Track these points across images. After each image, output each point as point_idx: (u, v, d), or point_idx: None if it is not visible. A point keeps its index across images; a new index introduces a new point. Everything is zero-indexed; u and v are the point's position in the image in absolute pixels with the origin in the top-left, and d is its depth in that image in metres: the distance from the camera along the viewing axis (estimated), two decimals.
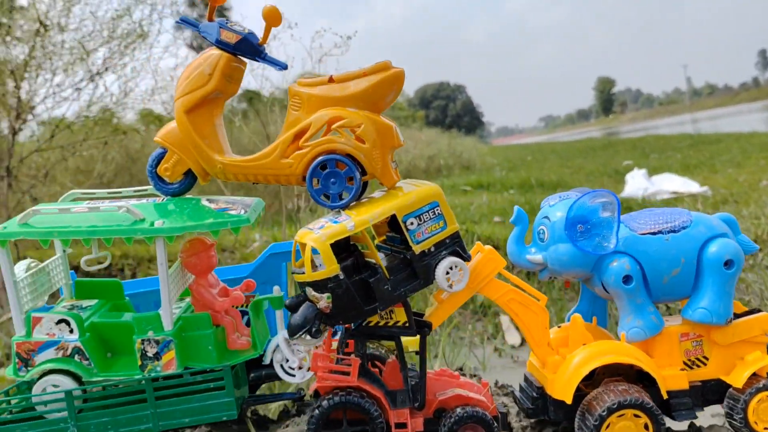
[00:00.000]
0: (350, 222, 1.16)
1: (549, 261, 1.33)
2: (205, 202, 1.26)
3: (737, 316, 1.31)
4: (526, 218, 1.38)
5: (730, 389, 1.29)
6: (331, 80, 1.21)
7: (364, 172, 1.22)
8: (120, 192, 1.39)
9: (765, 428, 1.26)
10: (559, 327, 1.40)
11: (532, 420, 1.41)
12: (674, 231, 1.30)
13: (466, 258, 1.24)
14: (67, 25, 3.29)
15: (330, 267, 1.15)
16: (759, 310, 1.34)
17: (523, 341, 3.33)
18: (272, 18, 1.20)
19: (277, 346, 1.32)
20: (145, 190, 1.39)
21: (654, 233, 1.30)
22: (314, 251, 1.15)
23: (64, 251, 1.42)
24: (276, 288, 1.34)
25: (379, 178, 1.23)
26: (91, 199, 1.39)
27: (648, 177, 7.91)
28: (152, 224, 1.18)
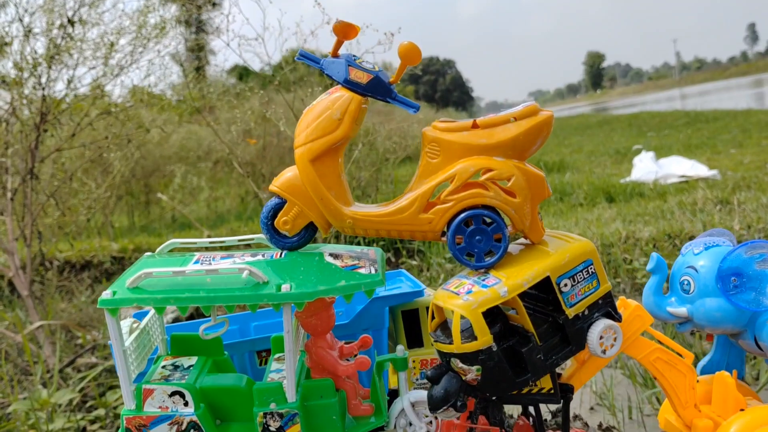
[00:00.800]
0: (503, 287, 1.05)
1: (695, 315, 1.22)
2: (329, 258, 1.14)
3: None
4: (666, 266, 1.27)
5: None
6: (474, 125, 1.08)
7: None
8: (223, 241, 1.27)
9: None
10: (698, 381, 1.30)
11: None
12: None
13: (619, 319, 1.13)
14: (92, 21, 3.10)
15: (483, 338, 1.03)
16: None
17: None
18: (410, 57, 1.07)
19: (401, 410, 1.21)
20: (252, 239, 1.26)
21: None
22: (464, 320, 1.04)
23: None
24: (399, 348, 1.23)
25: (527, 234, 1.12)
26: (192, 249, 1.26)
27: (656, 160, 7.85)
28: (279, 288, 1.05)
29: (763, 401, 1.28)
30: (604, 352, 1.11)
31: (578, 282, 1.09)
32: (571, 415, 1.81)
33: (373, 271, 1.11)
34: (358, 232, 1.12)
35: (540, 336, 1.09)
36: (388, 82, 1.11)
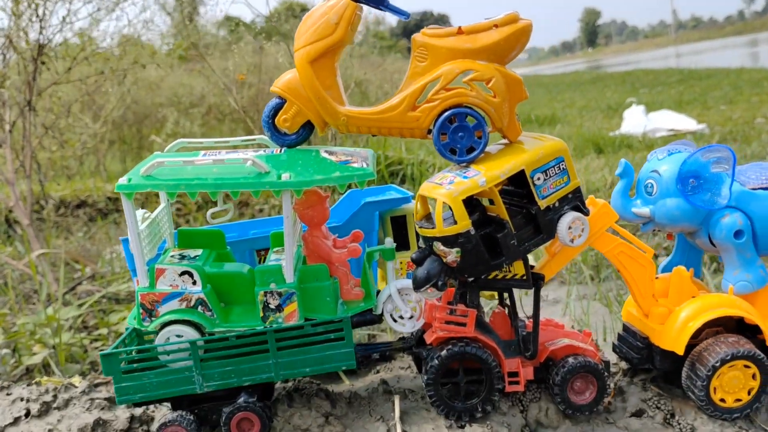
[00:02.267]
0: (481, 177, 1.16)
1: (656, 215, 1.34)
2: (324, 154, 1.24)
3: None
4: (632, 171, 1.38)
5: None
6: (459, 31, 1.18)
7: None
8: (228, 141, 1.37)
9: None
10: (656, 278, 1.43)
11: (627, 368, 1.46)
12: None
13: (586, 212, 1.25)
14: None
15: (462, 222, 1.15)
16: None
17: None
18: None
19: (388, 296, 1.33)
20: (253, 139, 1.36)
21: (765, 188, 1.32)
22: (446, 208, 1.15)
23: (168, 201, 1.40)
24: (388, 240, 1.35)
25: (505, 133, 1.22)
26: (200, 148, 1.36)
27: (646, 114, 7.93)
28: (279, 177, 1.16)
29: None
30: (572, 241, 1.23)
31: (550, 176, 1.20)
32: None
33: (365, 166, 1.22)
34: (351, 129, 1.22)
35: (514, 225, 1.21)
36: None
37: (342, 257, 1.29)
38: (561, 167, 1.21)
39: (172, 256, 1.33)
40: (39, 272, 3.15)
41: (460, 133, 1.19)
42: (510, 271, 1.26)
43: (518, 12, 1.19)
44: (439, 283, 1.19)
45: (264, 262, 1.47)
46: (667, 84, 15.27)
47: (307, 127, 1.26)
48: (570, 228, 1.22)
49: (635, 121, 7.76)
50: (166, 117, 7.06)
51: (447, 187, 1.16)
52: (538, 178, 1.19)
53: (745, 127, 7.27)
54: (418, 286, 1.19)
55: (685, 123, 7.39)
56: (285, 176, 1.16)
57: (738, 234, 1.30)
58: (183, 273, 1.23)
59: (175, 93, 7.92)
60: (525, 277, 1.27)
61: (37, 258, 3.17)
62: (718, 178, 1.30)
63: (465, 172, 1.18)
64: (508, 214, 1.23)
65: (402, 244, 1.58)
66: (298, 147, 1.28)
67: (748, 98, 10.31)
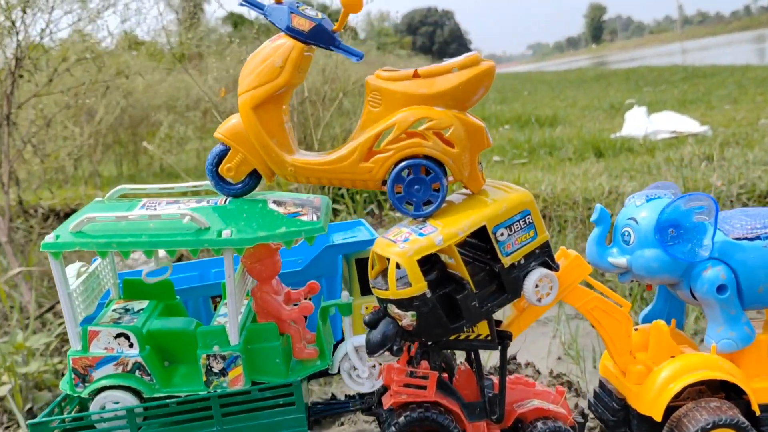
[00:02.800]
0: (438, 235, 1.06)
1: (634, 265, 1.25)
2: (272, 206, 1.15)
3: None
4: (609, 218, 1.29)
5: None
6: (415, 75, 1.09)
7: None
8: (172, 188, 1.28)
9: None
10: (636, 329, 1.33)
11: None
12: None
13: (555, 268, 1.15)
14: None
15: (417, 285, 1.06)
16: None
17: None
18: (352, 5, 1.06)
19: (345, 354, 1.24)
20: (200, 185, 1.28)
21: (750, 239, 1.22)
22: (400, 267, 1.06)
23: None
24: (344, 294, 1.26)
25: (465, 184, 1.13)
26: (141, 195, 1.27)
27: (647, 115, 7.83)
28: (219, 234, 1.07)
29: (698, 349, 1.32)
30: (539, 300, 1.13)
31: (515, 231, 1.11)
32: (524, 361, 1.86)
33: (314, 219, 1.13)
34: (300, 179, 1.13)
35: (476, 284, 1.12)
36: (332, 30, 1.10)
37: (293, 314, 1.20)
38: (527, 221, 1.12)
39: (114, 310, 1.24)
40: (14, 293, 3.07)
41: (416, 186, 1.09)
42: (473, 331, 1.17)
43: (479, 53, 1.10)
44: (395, 347, 1.10)
45: (217, 309, 1.38)
46: (671, 82, 15.14)
47: (254, 176, 1.17)
48: (537, 286, 1.13)
49: (637, 122, 7.66)
50: (161, 121, 6.99)
51: (401, 246, 1.07)
52: (501, 234, 1.10)
53: (748, 128, 7.16)
54: (372, 351, 1.10)
55: (688, 125, 7.29)
56: (225, 233, 1.07)
57: (721, 289, 1.20)
58: (119, 335, 1.14)
59: (172, 95, 7.84)
60: (490, 337, 1.17)
61: (15, 277, 3.09)
62: (699, 227, 1.20)
63: (421, 228, 1.09)
64: (471, 271, 1.13)
65: (367, 287, 1.49)
66: (246, 197, 1.19)
67: (753, 98, 10.19)
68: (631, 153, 6.56)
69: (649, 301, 2.03)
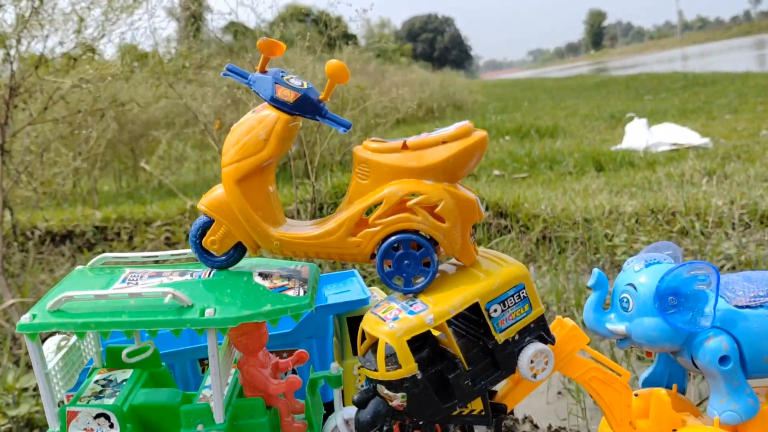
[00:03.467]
0: (429, 314, 1.03)
1: (633, 333, 1.21)
2: (258, 279, 1.11)
3: None
4: (607, 283, 1.25)
5: None
6: (404, 147, 1.05)
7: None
8: (156, 256, 1.24)
9: None
10: (636, 395, 1.29)
11: None
12: None
13: (551, 342, 1.12)
14: None
15: (407, 366, 1.02)
16: None
17: None
18: (338, 77, 1.03)
19: (335, 427, 1.20)
20: (185, 253, 1.24)
21: (754, 306, 1.18)
22: (388, 347, 1.02)
23: None
24: (334, 365, 1.22)
25: (457, 258, 1.09)
26: (124, 263, 1.24)
27: (648, 127, 7.82)
28: (202, 313, 1.03)
29: (702, 415, 1.28)
30: (534, 376, 1.10)
31: (509, 307, 1.07)
32: (522, 416, 1.82)
33: (301, 293, 1.09)
34: (286, 253, 1.09)
35: (469, 360, 1.08)
36: (318, 100, 1.07)
37: (280, 388, 1.16)
38: (521, 295, 1.08)
39: (96, 382, 1.20)
40: (12, 323, 3.03)
41: (405, 261, 1.06)
42: (467, 407, 1.13)
43: (470, 124, 1.06)
44: (385, 428, 1.06)
45: (205, 373, 1.34)
46: (672, 90, 15.13)
47: (239, 248, 1.13)
48: (532, 362, 1.09)
49: (637, 135, 7.65)
50: (159, 139, 6.96)
51: (390, 325, 1.03)
52: (495, 310, 1.06)
53: (749, 140, 7.13)
54: (361, 431, 1.06)
55: (688, 137, 7.27)
56: (208, 312, 1.03)
57: (724, 360, 1.16)
58: (98, 415, 1.10)
59: (171, 111, 7.82)
60: (484, 413, 1.13)
61: (9, 308, 3.05)
62: (700, 295, 1.16)
63: (411, 305, 1.05)
64: (463, 346, 1.10)
65: None
66: (231, 270, 1.15)
67: (754, 107, 10.18)
68: (631, 167, 6.53)
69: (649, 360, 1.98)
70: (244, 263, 1.17)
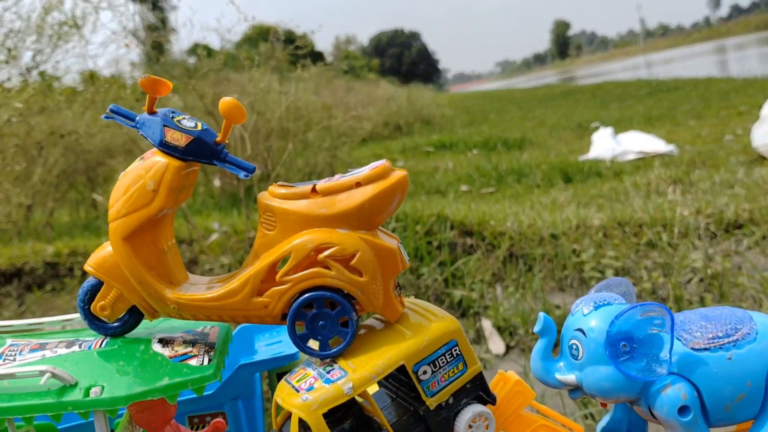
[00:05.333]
0: (347, 383, 0.90)
1: (584, 383, 1.09)
2: (156, 347, 0.98)
3: None
4: (554, 327, 1.13)
5: None
6: (314, 191, 0.93)
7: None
8: (41, 323, 1.09)
9: None
10: None
11: None
12: (737, 346, 1.07)
13: (491, 402, 0.99)
14: None
15: None
16: None
17: (508, 349, 3.17)
18: (234, 116, 0.90)
19: None
20: (73, 319, 1.10)
21: (712, 349, 1.07)
22: (302, 422, 0.89)
23: None
24: None
25: (380, 314, 0.97)
26: (7, 332, 1.09)
27: (614, 136, 7.85)
28: (87, 392, 0.90)
29: None
30: None
31: (440, 367, 0.95)
32: None
33: (206, 362, 0.96)
34: (186, 317, 0.96)
35: (399, 429, 0.95)
36: (215, 142, 0.94)
37: None
38: (454, 353, 0.96)
39: None
40: None
41: (320, 322, 0.93)
42: None
43: (388, 163, 0.94)
44: None
45: None
46: (637, 97, 15.33)
47: (135, 313, 0.99)
48: (471, 427, 0.97)
49: (604, 144, 7.68)
50: (114, 168, 6.76)
51: (303, 396, 0.90)
52: (424, 372, 0.94)
53: (714, 146, 7.18)
54: None
55: (654, 144, 7.32)
56: (94, 391, 0.90)
57: (683, 410, 1.05)
58: None
59: (129, 138, 7.62)
60: None
61: None
62: (655, 339, 1.05)
63: (329, 372, 0.93)
64: (395, 411, 0.97)
65: None
66: (128, 336, 1.01)
67: (717, 112, 10.30)
68: (599, 178, 6.51)
69: None
70: (145, 328, 1.03)
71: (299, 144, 6.34)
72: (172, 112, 0.94)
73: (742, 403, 1.06)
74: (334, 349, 0.94)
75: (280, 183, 0.95)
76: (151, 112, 0.93)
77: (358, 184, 0.91)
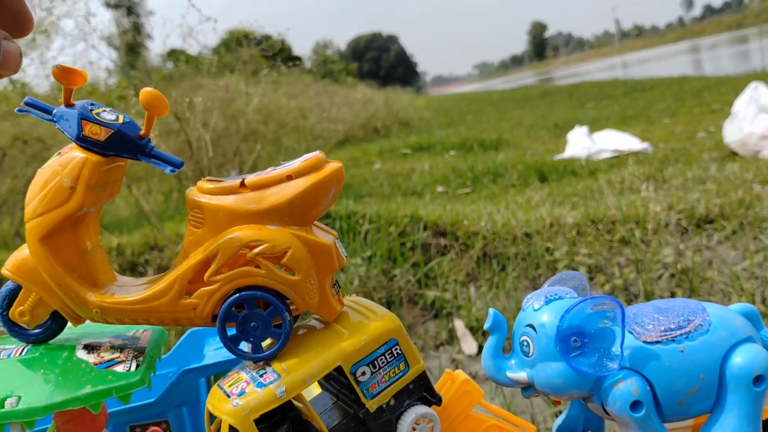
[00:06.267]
0: (280, 386, 0.85)
1: (536, 381, 1.05)
2: (81, 353, 0.92)
3: (764, 425, 1.08)
4: (505, 325, 1.09)
5: None
6: (243, 186, 0.88)
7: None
8: None
9: None
10: None
11: None
12: (689, 338, 1.04)
13: (436, 402, 0.95)
14: None
15: None
16: None
17: (481, 349, 3.13)
18: (155, 108, 0.86)
19: None
20: None
21: (665, 342, 1.04)
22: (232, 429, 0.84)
23: None
24: None
25: (316, 314, 0.92)
26: None
27: (590, 135, 7.89)
28: (2, 404, 0.84)
29: None
30: None
31: (380, 368, 0.90)
32: None
33: (133, 368, 0.91)
34: (111, 321, 0.91)
35: None
36: (138, 135, 0.89)
37: None
38: (395, 352, 0.91)
39: None
40: None
41: (252, 323, 0.88)
42: None
43: (322, 154, 0.90)
44: None
45: None
46: (613, 97, 15.45)
47: (58, 318, 0.94)
48: (414, 429, 0.92)
49: (579, 143, 7.71)
50: None
51: (234, 402, 0.85)
52: (363, 373, 0.89)
53: (687, 143, 7.24)
54: None
55: (629, 143, 7.36)
56: (10, 402, 0.84)
57: (635, 406, 1.01)
58: None
59: None
60: None
61: None
62: (606, 333, 1.02)
63: (262, 376, 0.88)
64: (333, 416, 0.93)
65: None
66: (51, 343, 0.96)
67: (690, 110, 10.41)
68: (574, 177, 6.52)
69: None
70: (72, 333, 0.98)
71: (272, 147, 6.29)
72: (91, 104, 0.89)
73: (696, 396, 1.03)
74: (268, 352, 0.89)
75: (208, 178, 0.90)
76: (68, 105, 0.88)
77: (289, 177, 0.87)
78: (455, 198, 6.31)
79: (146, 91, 0.85)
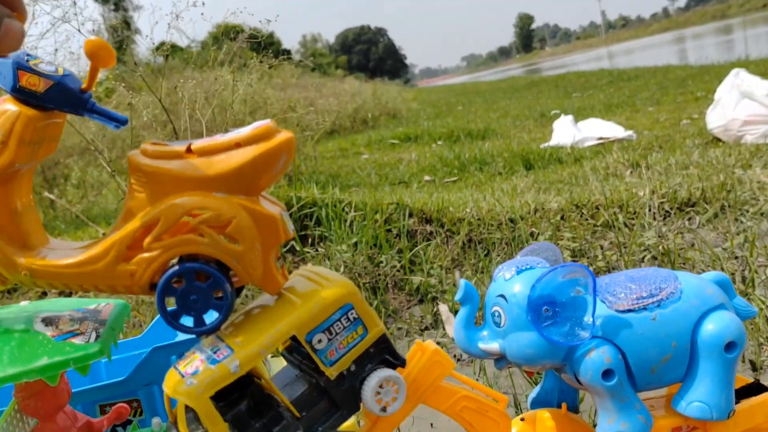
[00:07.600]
0: (233, 361, 0.83)
1: (508, 351, 1.04)
2: (39, 326, 0.90)
3: (737, 393, 1.07)
4: (476, 296, 1.08)
5: None
6: (189, 151, 0.83)
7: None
8: None
9: None
10: (522, 419, 1.13)
11: None
12: (661, 306, 1.02)
13: (400, 363, 0.93)
14: None
15: (215, 428, 0.82)
16: (762, 387, 1.10)
17: None
18: (100, 58, 0.82)
19: None
20: None
21: (636, 310, 1.03)
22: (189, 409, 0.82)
23: None
24: (155, 420, 1.01)
25: (259, 287, 0.89)
26: None
27: (575, 123, 7.91)
28: None
29: None
30: (384, 409, 0.91)
31: (337, 333, 0.88)
32: None
33: (92, 339, 0.88)
34: (41, 285, 0.87)
35: (300, 405, 0.89)
36: (80, 89, 0.85)
37: None
38: (351, 317, 0.89)
39: None
40: None
41: (192, 296, 0.85)
42: None
43: (272, 123, 0.86)
44: None
45: None
46: (598, 86, 15.49)
47: None
48: (378, 393, 0.90)
49: (565, 131, 7.72)
50: (70, 167, 6.58)
51: (189, 381, 0.82)
52: (319, 341, 0.87)
53: (671, 130, 7.27)
54: None
55: (613, 130, 7.39)
56: None
57: (607, 374, 1.00)
58: None
59: (91, 135, 7.44)
60: None
61: None
62: (578, 302, 1.00)
63: (216, 352, 0.85)
64: (296, 387, 0.91)
65: None
66: (7, 313, 0.93)
67: (674, 98, 10.45)
68: (559, 164, 6.53)
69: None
70: (29, 308, 0.95)
71: None
72: (27, 55, 0.85)
73: (668, 364, 1.02)
74: (209, 326, 0.86)
75: (153, 141, 0.87)
76: (2, 56, 0.84)
77: (238, 145, 0.83)
78: (442, 186, 6.30)
79: (90, 40, 0.81)
